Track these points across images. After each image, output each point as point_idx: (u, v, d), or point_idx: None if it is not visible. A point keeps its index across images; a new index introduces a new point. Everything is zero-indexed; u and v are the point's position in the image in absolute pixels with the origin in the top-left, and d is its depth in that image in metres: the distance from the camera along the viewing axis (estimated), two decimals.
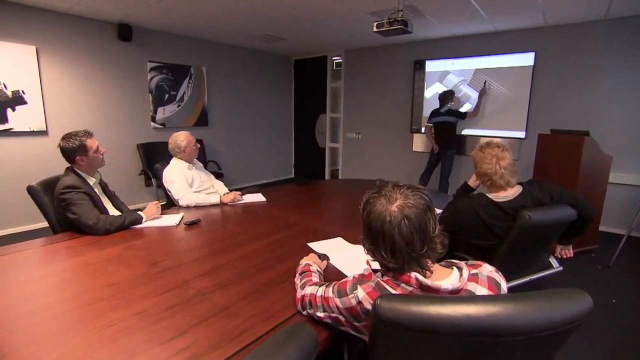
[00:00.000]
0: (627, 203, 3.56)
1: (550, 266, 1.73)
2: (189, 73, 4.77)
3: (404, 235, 0.76)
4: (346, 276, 0.94)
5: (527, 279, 1.63)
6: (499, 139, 3.69)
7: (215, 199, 2.29)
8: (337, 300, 0.86)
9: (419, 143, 5.00)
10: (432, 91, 4.77)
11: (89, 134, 1.80)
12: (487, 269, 0.82)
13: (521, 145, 4.17)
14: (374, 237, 0.80)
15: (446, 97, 4.24)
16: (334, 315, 0.88)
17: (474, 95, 4.39)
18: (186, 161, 2.38)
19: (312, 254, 1.31)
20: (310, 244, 1.56)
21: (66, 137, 1.75)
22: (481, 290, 0.77)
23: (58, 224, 1.79)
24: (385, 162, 5.40)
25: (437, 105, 4.34)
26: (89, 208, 1.69)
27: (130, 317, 1.00)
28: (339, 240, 1.62)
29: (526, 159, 3.88)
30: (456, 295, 0.76)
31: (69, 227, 1.73)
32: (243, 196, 2.41)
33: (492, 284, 0.78)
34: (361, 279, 0.85)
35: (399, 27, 2.61)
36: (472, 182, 1.74)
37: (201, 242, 1.67)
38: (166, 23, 4.05)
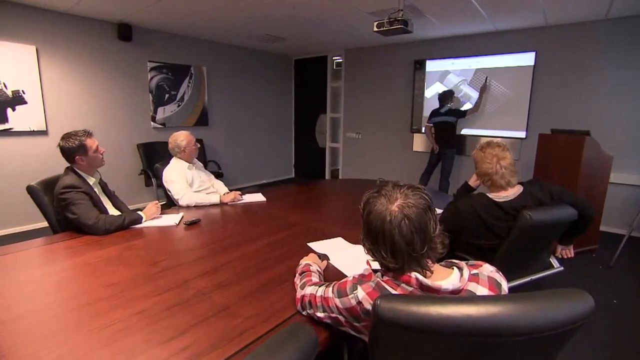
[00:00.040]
0: (627, 203, 3.56)
1: (551, 266, 1.73)
2: (189, 73, 4.76)
3: (404, 235, 0.76)
4: (346, 276, 0.93)
5: (527, 279, 1.63)
6: (499, 139, 3.68)
7: (215, 199, 2.29)
8: (337, 301, 0.86)
9: (419, 143, 5.00)
10: (432, 91, 4.76)
11: (88, 134, 1.80)
12: (487, 269, 0.82)
13: (522, 145, 4.17)
14: (374, 237, 0.80)
15: (446, 97, 4.24)
16: (333, 315, 0.88)
17: (475, 95, 4.39)
18: (186, 161, 2.38)
19: (312, 254, 1.31)
20: (310, 244, 1.56)
21: (66, 136, 1.75)
22: (482, 290, 0.76)
23: (58, 223, 1.79)
24: (385, 162, 5.40)
25: (437, 105, 4.34)
26: (89, 208, 1.69)
27: (130, 317, 1.00)
28: (339, 240, 1.62)
29: (527, 159, 3.88)
30: (457, 296, 0.76)
31: (69, 227, 1.73)
32: (243, 196, 2.40)
33: (493, 284, 0.78)
34: (361, 279, 0.85)
35: (399, 26, 2.61)
36: (473, 181, 1.74)
37: (201, 242, 1.66)
38: (166, 23, 4.05)
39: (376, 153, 5.51)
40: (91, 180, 1.83)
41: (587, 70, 3.71)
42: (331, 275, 1.26)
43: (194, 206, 2.22)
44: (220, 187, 2.57)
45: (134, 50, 4.18)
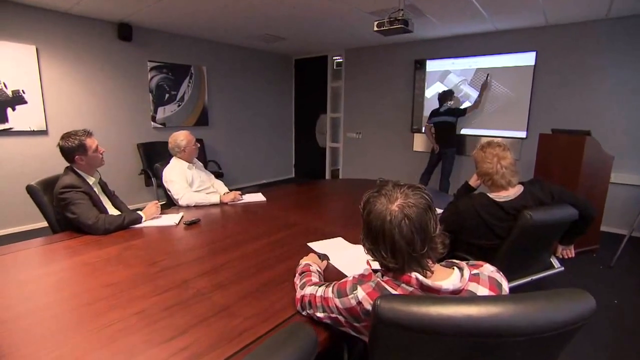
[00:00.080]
0: (628, 203, 3.55)
1: (552, 266, 1.72)
2: (189, 73, 4.76)
3: (404, 235, 0.75)
4: (346, 276, 0.93)
5: (528, 279, 1.62)
6: (500, 139, 3.68)
7: (215, 199, 2.28)
8: (337, 301, 0.85)
9: (420, 143, 4.99)
10: (432, 91, 4.76)
11: (88, 133, 1.80)
12: (488, 269, 0.82)
13: (522, 145, 4.16)
14: (374, 236, 0.80)
15: (445, 96, 4.24)
16: (333, 315, 0.88)
17: (475, 94, 4.38)
18: (186, 161, 2.38)
19: (312, 254, 1.30)
20: (310, 244, 1.56)
21: (65, 136, 1.75)
22: (482, 290, 0.76)
23: (57, 223, 1.78)
24: (385, 161, 5.40)
25: (437, 105, 4.33)
26: (88, 207, 1.69)
27: (129, 317, 0.99)
28: (339, 240, 1.62)
29: (527, 159, 3.87)
30: (457, 296, 0.75)
31: (69, 227, 1.73)
32: (243, 196, 2.40)
33: (494, 284, 0.78)
34: (361, 279, 0.84)
35: (399, 26, 2.60)
36: (473, 181, 1.73)
37: (201, 242, 1.66)
38: (166, 23, 4.05)
39: (376, 153, 5.50)
40: (91, 180, 1.82)
41: (588, 70, 3.70)
42: (331, 275, 1.26)
43: (194, 206, 2.22)
44: (220, 187, 2.57)
45: (134, 50, 4.18)
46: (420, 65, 4.83)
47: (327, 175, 6.26)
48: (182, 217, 1.94)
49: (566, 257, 1.74)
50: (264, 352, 0.56)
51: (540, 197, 1.49)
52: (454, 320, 0.61)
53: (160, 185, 2.45)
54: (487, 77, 4.24)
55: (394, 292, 0.78)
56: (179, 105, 4.72)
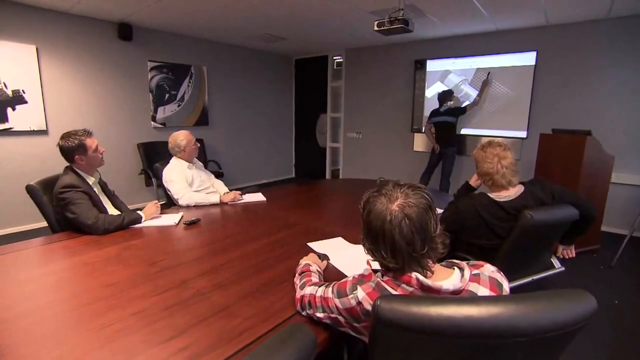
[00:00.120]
0: (629, 203, 3.55)
1: (552, 266, 1.72)
2: (189, 72, 4.76)
3: (404, 234, 0.75)
4: (346, 276, 0.93)
5: (529, 279, 1.62)
6: (500, 139, 3.69)
7: (215, 199, 2.28)
8: (337, 301, 0.85)
9: (420, 143, 4.99)
10: (433, 91, 4.75)
11: (88, 133, 1.80)
12: (488, 269, 0.81)
13: (523, 145, 4.16)
14: (374, 236, 0.79)
15: (445, 96, 4.24)
16: (333, 315, 0.87)
17: (475, 94, 4.37)
18: (186, 160, 2.38)
19: (311, 254, 1.30)
20: (310, 244, 1.55)
21: (65, 136, 1.75)
22: (483, 290, 0.76)
23: (57, 223, 1.78)
24: (386, 161, 5.39)
25: (437, 105, 4.33)
26: (88, 207, 1.69)
27: (129, 317, 0.99)
28: (339, 240, 1.61)
29: (528, 159, 3.87)
30: (457, 296, 0.75)
31: (68, 227, 1.73)
32: (243, 196, 2.40)
33: (494, 284, 0.77)
34: (361, 279, 0.84)
35: (399, 25, 2.60)
36: (474, 181, 1.73)
37: (201, 242, 1.66)
38: (166, 22, 4.05)
39: (377, 153, 5.50)
40: (90, 180, 1.82)
41: (588, 70, 3.70)
42: (331, 275, 1.25)
43: (194, 206, 2.21)
44: (220, 186, 2.56)
45: (134, 49, 4.18)
46: (420, 65, 4.83)
47: (328, 175, 6.26)
48: (182, 217, 1.94)
49: (567, 257, 1.73)
50: (263, 352, 0.56)
51: (541, 197, 1.49)
52: (455, 320, 0.61)
53: (160, 185, 2.45)
54: (488, 75, 4.23)
55: (394, 292, 0.77)
56: (179, 105, 4.72)
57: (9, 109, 3.35)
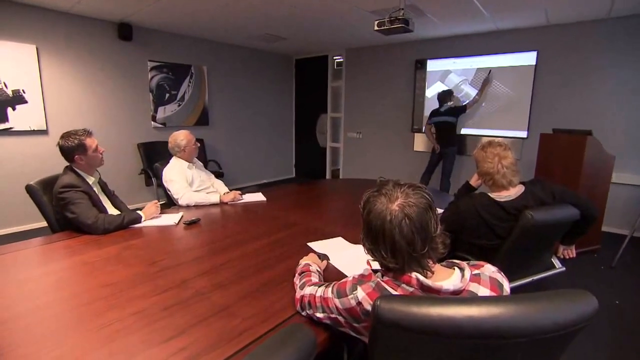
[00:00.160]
0: (629, 203, 3.54)
1: (553, 266, 1.71)
2: (189, 72, 4.76)
3: (404, 234, 0.75)
4: (346, 276, 0.92)
5: (529, 279, 1.61)
6: (501, 138, 3.69)
7: (215, 198, 2.28)
8: (337, 301, 0.85)
9: (420, 143, 4.99)
10: (433, 91, 4.75)
11: (88, 133, 1.80)
12: (489, 270, 0.81)
13: (523, 145, 4.15)
14: (374, 236, 0.79)
15: (445, 96, 4.24)
16: (333, 316, 0.87)
17: (476, 94, 4.37)
18: (186, 160, 2.37)
19: (311, 254, 1.30)
20: (310, 244, 1.55)
21: (65, 135, 1.75)
22: (483, 291, 0.76)
23: (57, 223, 1.78)
24: (386, 161, 5.39)
25: (437, 104, 4.33)
26: (88, 207, 1.68)
27: (128, 317, 0.99)
28: (339, 240, 1.61)
29: (528, 159, 3.86)
30: (458, 297, 0.75)
31: (68, 227, 1.72)
32: (243, 195, 2.40)
33: (495, 284, 0.77)
34: (361, 279, 0.84)
35: (400, 25, 2.60)
36: (474, 181, 1.73)
37: (200, 242, 1.66)
38: (166, 22, 4.05)
39: (377, 153, 5.50)
40: (90, 180, 1.82)
41: (589, 70, 3.69)
42: (331, 275, 1.25)
43: (194, 206, 2.21)
44: (220, 186, 2.56)
45: (135, 49, 4.18)
46: (420, 65, 4.82)
47: (328, 175, 6.26)
48: (182, 216, 1.94)
49: (567, 257, 1.73)
50: (263, 353, 0.56)
51: (541, 197, 1.48)
52: (455, 321, 0.60)
53: (160, 184, 2.45)
54: (489, 73, 4.22)
55: (394, 292, 0.77)
56: (179, 105, 4.72)
57: (9, 109, 3.35)
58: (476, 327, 0.60)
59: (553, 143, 3.16)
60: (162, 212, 1.97)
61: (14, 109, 3.38)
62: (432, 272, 0.78)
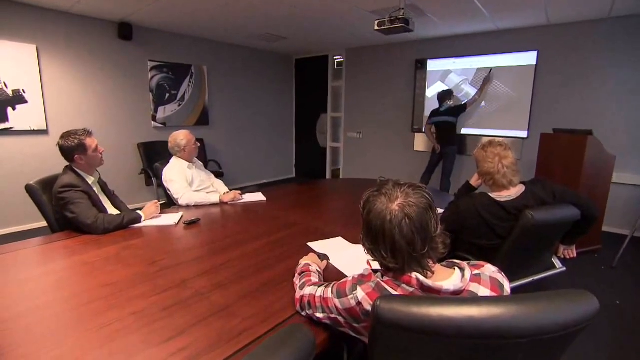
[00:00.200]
0: (630, 203, 3.54)
1: (553, 267, 1.71)
2: (189, 72, 4.76)
3: (404, 234, 0.74)
4: (346, 276, 0.92)
5: (529, 279, 1.61)
6: (501, 138, 3.68)
7: (215, 198, 2.28)
8: (336, 301, 0.85)
9: (421, 142, 4.98)
10: (433, 90, 4.74)
11: (88, 133, 1.79)
12: (489, 270, 0.81)
13: (523, 145, 4.15)
14: (374, 236, 0.79)
15: (445, 96, 4.24)
16: (333, 316, 0.87)
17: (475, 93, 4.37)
18: (186, 160, 2.37)
19: (311, 254, 1.30)
20: (310, 244, 1.55)
21: (65, 135, 1.74)
22: (484, 291, 0.75)
23: (57, 223, 1.78)
24: (386, 161, 5.39)
25: (437, 104, 4.32)
26: (88, 207, 1.68)
27: (128, 317, 0.99)
28: (339, 240, 1.61)
29: (529, 159, 3.86)
30: (458, 297, 0.74)
31: (68, 226, 1.72)
32: (243, 195, 2.40)
33: (495, 284, 0.77)
34: (361, 279, 0.83)
35: (400, 25, 2.59)
36: (474, 181, 1.72)
37: (200, 242, 1.66)
38: (166, 22, 4.04)
39: (377, 153, 5.49)
40: (90, 180, 1.82)
41: (589, 70, 3.69)
42: (331, 275, 1.25)
43: (194, 205, 2.21)
44: (220, 186, 2.56)
45: (135, 49, 4.17)
46: (421, 64, 4.82)
47: (328, 175, 6.26)
48: (182, 216, 1.94)
49: (568, 257, 1.73)
50: (262, 353, 0.56)
51: (542, 196, 1.48)
52: (455, 321, 0.60)
53: (160, 184, 2.45)
54: (490, 72, 4.22)
55: (394, 292, 0.77)
56: (179, 105, 4.72)
57: (9, 109, 3.35)
58: (476, 328, 0.60)
59: (553, 143, 3.15)
60: (162, 212, 1.97)
61: (14, 108, 3.38)
62: (433, 272, 0.78)
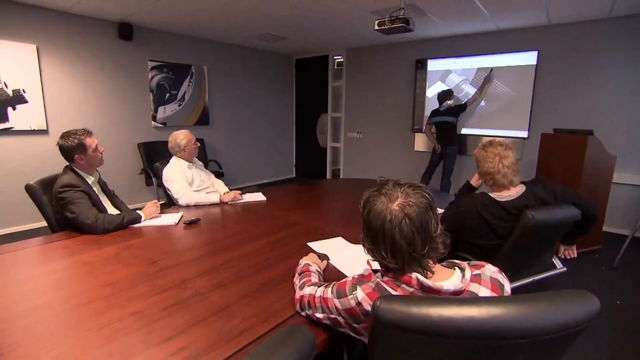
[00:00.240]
0: (630, 203, 3.54)
1: (554, 267, 1.71)
2: (189, 72, 4.76)
3: (404, 234, 0.74)
4: (346, 276, 0.92)
5: (530, 279, 1.61)
6: (501, 138, 3.68)
7: (215, 198, 2.28)
8: (336, 301, 0.84)
9: (421, 142, 4.98)
10: (433, 90, 4.74)
11: (88, 133, 1.79)
12: (490, 270, 0.80)
13: (524, 145, 4.15)
14: (374, 236, 0.79)
15: (445, 96, 4.24)
16: (332, 316, 0.87)
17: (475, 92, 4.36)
18: (186, 160, 2.37)
19: (311, 254, 1.30)
20: (310, 244, 1.55)
21: (65, 135, 1.74)
22: (484, 291, 0.75)
23: (57, 223, 1.78)
24: (386, 161, 5.39)
25: (437, 104, 4.32)
26: (88, 207, 1.68)
27: (128, 317, 0.99)
28: (339, 240, 1.61)
29: (529, 159, 3.86)
30: (458, 297, 0.74)
31: (68, 226, 1.72)
32: (243, 195, 2.39)
33: (495, 285, 0.77)
34: (361, 279, 0.83)
35: (400, 25, 2.59)
36: (475, 181, 1.72)
37: (200, 242, 1.66)
38: (167, 22, 4.04)
39: (377, 153, 5.49)
40: (90, 179, 1.82)
41: (590, 70, 3.68)
42: (331, 275, 1.25)
43: (194, 205, 2.21)
44: (220, 186, 2.56)
45: (135, 49, 4.18)
46: (421, 64, 4.82)
47: (328, 175, 6.25)
48: (182, 216, 1.93)
49: (568, 257, 1.73)
50: (262, 353, 0.56)
51: (542, 196, 1.48)
52: (455, 321, 0.60)
53: (160, 184, 2.45)
54: (490, 71, 4.22)
55: (394, 292, 0.77)
56: (179, 105, 4.72)
57: (9, 109, 3.35)
58: (477, 328, 0.60)
59: (554, 143, 3.15)
60: (162, 212, 1.97)
61: (14, 108, 3.38)
62: (433, 273, 0.78)
